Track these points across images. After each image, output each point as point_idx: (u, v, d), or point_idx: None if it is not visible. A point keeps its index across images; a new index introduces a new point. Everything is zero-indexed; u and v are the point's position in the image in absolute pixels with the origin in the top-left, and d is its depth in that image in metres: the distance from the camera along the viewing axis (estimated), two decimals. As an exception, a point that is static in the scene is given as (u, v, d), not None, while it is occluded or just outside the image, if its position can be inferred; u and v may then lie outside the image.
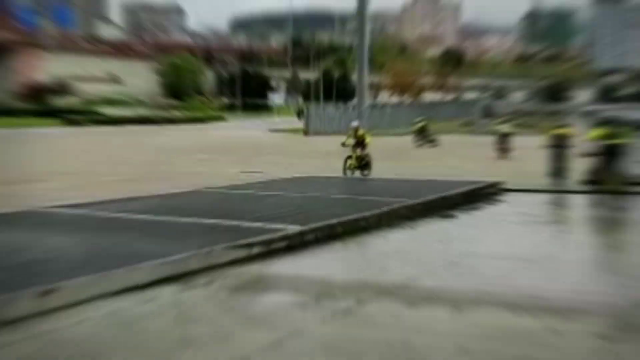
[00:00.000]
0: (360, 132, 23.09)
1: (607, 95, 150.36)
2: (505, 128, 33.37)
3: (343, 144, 23.15)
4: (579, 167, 17.95)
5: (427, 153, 35.60)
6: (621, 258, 10.51)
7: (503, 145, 31.45)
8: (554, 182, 19.46)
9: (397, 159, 30.42)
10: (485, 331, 6.63)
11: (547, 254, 10.68)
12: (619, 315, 7.18)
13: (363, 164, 22.55)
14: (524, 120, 69.85)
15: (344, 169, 22.32)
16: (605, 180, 15.90)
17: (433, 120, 62.12)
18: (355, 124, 24.18)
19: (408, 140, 42.78)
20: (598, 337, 6.51)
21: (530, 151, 26.62)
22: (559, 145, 19.81)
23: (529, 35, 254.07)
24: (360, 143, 22.69)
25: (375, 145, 35.87)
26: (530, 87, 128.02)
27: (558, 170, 19.78)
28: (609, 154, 15.91)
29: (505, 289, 8.20)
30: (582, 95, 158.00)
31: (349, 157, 22.56)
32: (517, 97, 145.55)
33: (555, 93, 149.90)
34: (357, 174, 22.19)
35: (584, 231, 13.80)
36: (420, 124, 41.93)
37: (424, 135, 40.52)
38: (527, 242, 11.83)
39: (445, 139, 45.31)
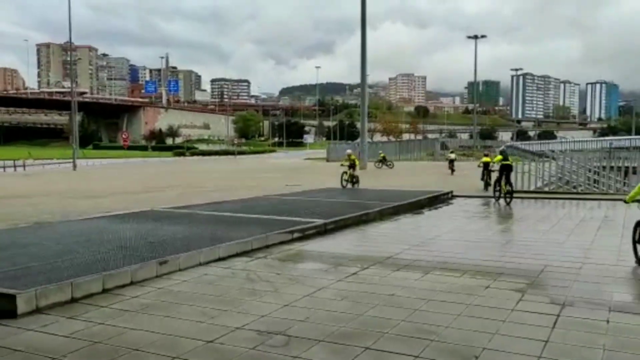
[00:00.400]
0: (352, 157, 21.70)
1: (521, 135, 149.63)
2: (452, 156, 33.85)
3: (342, 165, 21.97)
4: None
5: (404, 171, 35.41)
6: (531, 239, 10.37)
7: (451, 166, 31.86)
8: (483, 190, 19.51)
9: (386, 176, 30.30)
10: (442, 287, 6.59)
11: (483, 238, 10.60)
12: (529, 277, 7.11)
13: (354, 180, 21.21)
14: (467, 151, 69.62)
15: (341, 182, 21.04)
16: (501, 187, 16.62)
17: (408, 152, 62.12)
18: (349, 151, 22.85)
19: (394, 163, 42.75)
20: (513, 290, 6.46)
21: (470, 171, 26.54)
22: (485, 167, 20.04)
23: (470, 96, 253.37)
24: (352, 165, 21.26)
25: (373, 167, 35.79)
26: (471, 130, 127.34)
27: (485, 182, 19.93)
28: (503, 170, 16.71)
29: (455, 260, 8.15)
30: (505, 136, 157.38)
31: (344, 173, 21.17)
32: (463, 136, 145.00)
33: (487, 134, 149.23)
34: (350, 186, 20.87)
35: (504, 222, 13.66)
36: (382, 155, 41.77)
37: (383, 162, 40.31)
38: (470, 230, 11.74)
39: (415, 164, 45.23)
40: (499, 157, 17.00)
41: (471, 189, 19.93)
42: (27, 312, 5.47)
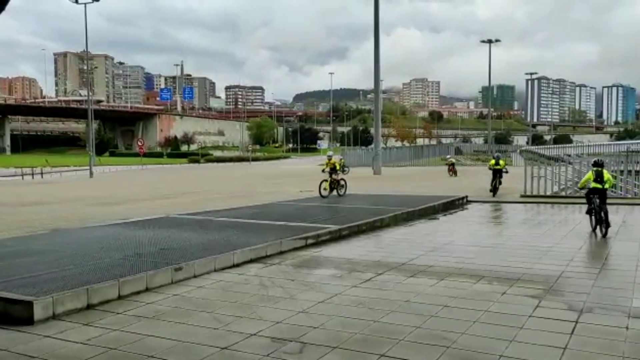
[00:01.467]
0: (333, 160, 19.04)
1: (536, 140, 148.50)
2: (452, 160, 36.51)
3: (323, 170, 19.20)
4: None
5: (414, 176, 35.24)
6: (548, 244, 10.25)
7: (452, 169, 34.49)
8: (492, 194, 19.94)
9: (401, 180, 30.20)
10: (458, 293, 6.53)
11: (499, 243, 10.50)
12: (547, 282, 7.02)
13: (337, 186, 18.80)
14: (481, 156, 69.25)
15: (320, 191, 18.29)
16: (494, 187, 20.18)
17: (422, 157, 62.00)
18: (330, 153, 20.19)
19: (408, 169, 42.67)
20: (529, 296, 6.38)
21: (481, 175, 26.39)
22: (494, 171, 20.88)
23: (484, 101, 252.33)
24: (333, 169, 18.77)
25: (388, 172, 35.70)
26: (485, 135, 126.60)
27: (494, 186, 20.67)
28: (496, 172, 20.30)
29: (471, 266, 8.08)
30: (520, 140, 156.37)
31: (324, 180, 18.58)
32: (478, 141, 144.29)
33: (502, 139, 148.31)
34: (335, 194, 18.62)
35: (521, 228, 13.52)
36: (342, 161, 41.73)
37: (343, 168, 40.08)
38: (485, 235, 11.65)
39: (428, 169, 45.00)
40: (493, 161, 20.99)
41: (470, 191, 19.83)
42: (43, 318, 5.51)
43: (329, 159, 19.04)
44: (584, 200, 18.47)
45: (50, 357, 4.58)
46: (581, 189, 12.40)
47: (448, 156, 44.43)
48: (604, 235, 10.92)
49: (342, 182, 19.19)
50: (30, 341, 4.96)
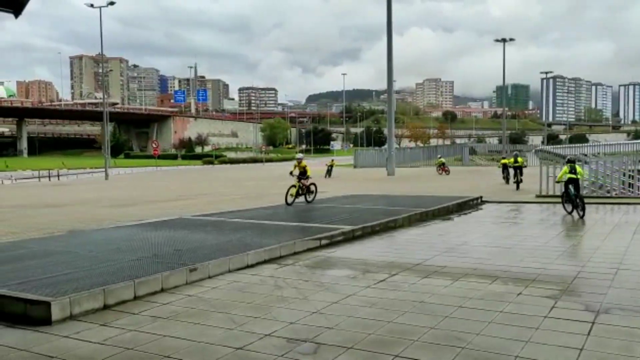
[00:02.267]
0: (303, 163, 17.24)
1: (552, 139, 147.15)
2: (442, 160, 40.11)
3: (291, 173, 17.35)
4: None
5: (431, 176, 35.16)
6: (564, 244, 10.16)
7: (444, 168, 38.01)
8: (516, 187, 22.79)
9: (415, 180, 30.13)
10: (472, 293, 6.50)
11: (514, 243, 10.42)
12: (563, 283, 6.96)
13: (306, 192, 17.16)
14: (495, 156, 68.86)
15: (286, 197, 16.63)
16: (517, 177, 23.35)
17: (436, 157, 61.84)
18: (300, 156, 18.32)
19: (422, 169, 42.52)
20: (546, 297, 6.33)
21: (495, 175, 26.27)
22: (504, 167, 25.71)
23: (498, 100, 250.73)
24: (303, 173, 17.05)
25: (401, 173, 35.59)
26: (500, 135, 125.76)
27: (506, 180, 25.02)
28: (516, 168, 23.62)
29: (486, 266, 8.04)
30: (536, 140, 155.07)
31: (293, 186, 16.92)
32: (493, 141, 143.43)
33: (517, 138, 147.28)
34: (304, 199, 17.16)
35: (536, 228, 13.42)
36: (331, 164, 40.57)
37: (329, 171, 39.28)
38: (499, 236, 11.57)
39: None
40: (512, 159, 24.89)
41: (486, 191, 19.67)
42: (61, 319, 5.57)
43: (299, 162, 17.24)
44: (600, 201, 18.58)
45: (68, 357, 4.63)
46: (558, 181, 15.33)
47: (439, 156, 46.77)
48: (582, 217, 13.39)
49: (312, 188, 17.56)
50: (49, 341, 5.03)
